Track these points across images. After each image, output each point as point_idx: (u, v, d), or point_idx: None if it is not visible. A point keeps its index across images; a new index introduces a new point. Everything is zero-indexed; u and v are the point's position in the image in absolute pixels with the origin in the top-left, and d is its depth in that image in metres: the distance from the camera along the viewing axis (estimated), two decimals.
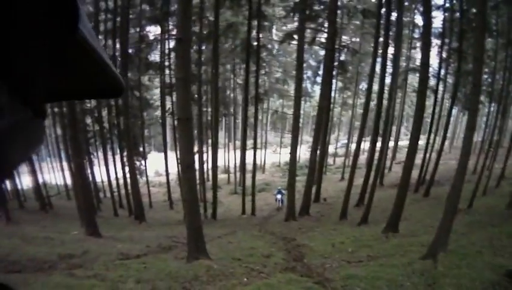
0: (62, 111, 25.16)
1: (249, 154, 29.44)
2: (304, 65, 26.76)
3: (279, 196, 30.11)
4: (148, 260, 12.49)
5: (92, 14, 26.93)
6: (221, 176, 39.31)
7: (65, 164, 29.37)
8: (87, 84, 0.75)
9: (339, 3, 26.36)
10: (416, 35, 40.35)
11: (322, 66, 30.59)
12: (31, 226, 19.71)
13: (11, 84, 0.47)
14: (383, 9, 23.10)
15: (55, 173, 39.68)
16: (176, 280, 9.84)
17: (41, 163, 35.84)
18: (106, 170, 31.56)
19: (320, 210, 25.91)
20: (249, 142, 35.78)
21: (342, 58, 34.41)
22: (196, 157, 23.38)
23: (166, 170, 32.30)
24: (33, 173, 27.37)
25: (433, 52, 25.54)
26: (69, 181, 30.11)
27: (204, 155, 32.06)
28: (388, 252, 12.34)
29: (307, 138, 62.13)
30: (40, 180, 29.57)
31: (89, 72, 0.67)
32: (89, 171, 26.77)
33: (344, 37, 42.00)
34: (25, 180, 30.57)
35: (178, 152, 22.01)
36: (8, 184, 27.23)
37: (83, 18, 0.54)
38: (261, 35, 28.18)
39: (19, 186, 28.64)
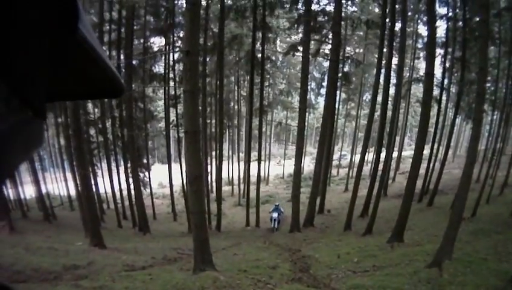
0: (66, 121, 25.22)
1: (253, 166, 29.33)
2: (308, 76, 26.73)
3: (275, 215, 25.20)
4: (154, 272, 12.55)
5: (96, 24, 27.01)
6: (225, 188, 38.96)
7: (68, 175, 29.30)
8: (87, 85, 0.78)
9: (343, 14, 26.36)
10: (419, 46, 40.28)
11: (326, 78, 30.51)
12: (34, 236, 19.70)
13: (11, 84, 0.48)
14: (387, 20, 23.09)
15: (58, 184, 39.69)
16: None
17: (45, 173, 35.77)
18: (110, 181, 31.34)
19: (325, 221, 25.86)
20: (253, 154, 35.75)
21: (346, 69, 34.24)
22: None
23: (170, 182, 32.00)
24: (36, 183, 27.33)
25: (437, 62, 25.52)
26: (72, 192, 30.47)
27: (209, 167, 31.98)
28: (394, 262, 12.36)
29: (310, 150, 62.10)
30: (44, 191, 29.41)
31: (89, 72, 0.68)
32: (92, 182, 26.65)
33: (348, 48, 42.07)
34: (28, 190, 30.64)
35: (183, 164, 22.06)
36: (11, 194, 27.32)
37: (82, 18, 0.55)
38: (265, 47, 28.23)
39: (22, 196, 28.56)
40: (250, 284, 10.68)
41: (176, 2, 28.95)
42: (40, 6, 0.50)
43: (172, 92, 30.34)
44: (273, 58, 43.23)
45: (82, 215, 21.49)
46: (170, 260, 15.81)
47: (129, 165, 28.19)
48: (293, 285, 10.74)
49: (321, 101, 54.19)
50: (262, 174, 34.98)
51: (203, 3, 26.54)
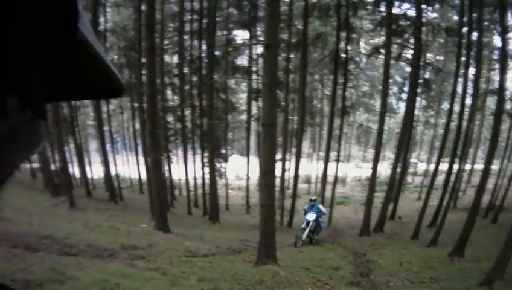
0: (142, 106, 25.82)
1: (331, 166, 29.29)
2: (390, 80, 26.53)
3: (310, 217, 18.52)
4: (215, 260, 12.81)
5: (176, 13, 27.50)
6: (302, 186, 39.06)
7: (141, 158, 29.81)
8: (87, 85, 0.80)
9: (423, 19, 26.14)
10: (495, 57, 39.27)
11: (407, 83, 30.29)
12: (96, 215, 20.06)
13: (11, 84, 0.48)
14: (465, 28, 22.71)
15: (129, 166, 40.24)
16: (239, 282, 10.04)
17: (116, 155, 36.34)
18: (184, 169, 31.47)
19: (394, 228, 25.55)
20: (332, 154, 35.71)
21: (427, 76, 33.58)
22: (278, 164, 23.42)
23: (247, 174, 32.20)
24: (106, 163, 27.91)
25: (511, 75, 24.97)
26: (143, 175, 30.40)
27: (287, 163, 32.09)
28: (451, 276, 12.33)
29: (389, 155, 61.04)
30: (113, 172, 30.06)
31: (89, 72, 0.71)
32: (166, 167, 27.51)
33: (428, 55, 41.30)
34: (96, 170, 31.51)
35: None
36: (76, 172, 28.29)
37: (82, 18, 0.56)
38: (349, 47, 28.27)
39: (89, 175, 29.37)
40: (309, 282, 10.86)
41: None
42: (40, 6, 0.51)
43: (255, 86, 30.37)
44: (357, 59, 42.82)
45: (150, 198, 21.67)
46: (235, 251, 15.88)
47: (206, 154, 28.53)
48: (350, 288, 10.90)
49: (402, 106, 53.43)
50: (339, 175, 34.73)
51: None
